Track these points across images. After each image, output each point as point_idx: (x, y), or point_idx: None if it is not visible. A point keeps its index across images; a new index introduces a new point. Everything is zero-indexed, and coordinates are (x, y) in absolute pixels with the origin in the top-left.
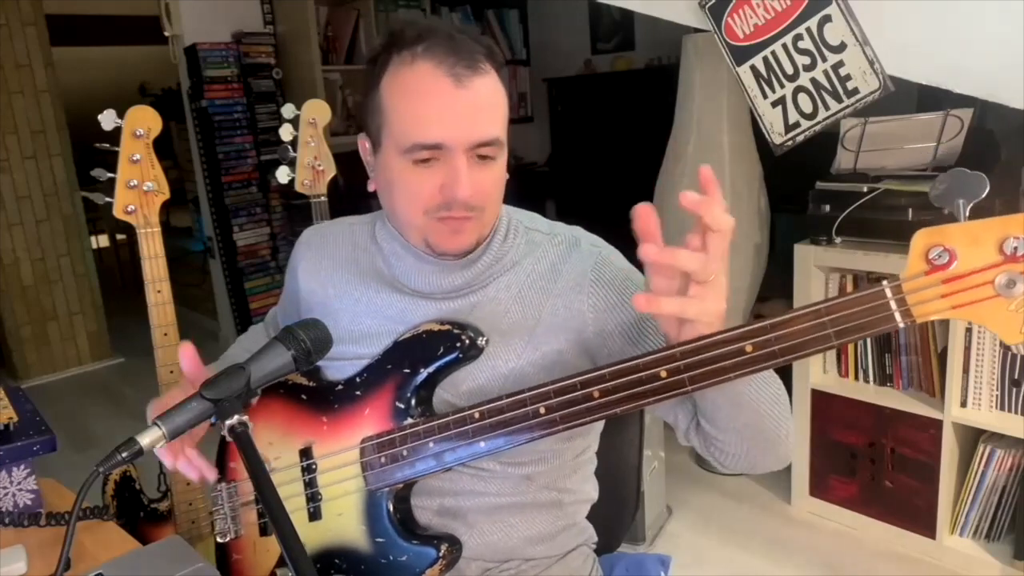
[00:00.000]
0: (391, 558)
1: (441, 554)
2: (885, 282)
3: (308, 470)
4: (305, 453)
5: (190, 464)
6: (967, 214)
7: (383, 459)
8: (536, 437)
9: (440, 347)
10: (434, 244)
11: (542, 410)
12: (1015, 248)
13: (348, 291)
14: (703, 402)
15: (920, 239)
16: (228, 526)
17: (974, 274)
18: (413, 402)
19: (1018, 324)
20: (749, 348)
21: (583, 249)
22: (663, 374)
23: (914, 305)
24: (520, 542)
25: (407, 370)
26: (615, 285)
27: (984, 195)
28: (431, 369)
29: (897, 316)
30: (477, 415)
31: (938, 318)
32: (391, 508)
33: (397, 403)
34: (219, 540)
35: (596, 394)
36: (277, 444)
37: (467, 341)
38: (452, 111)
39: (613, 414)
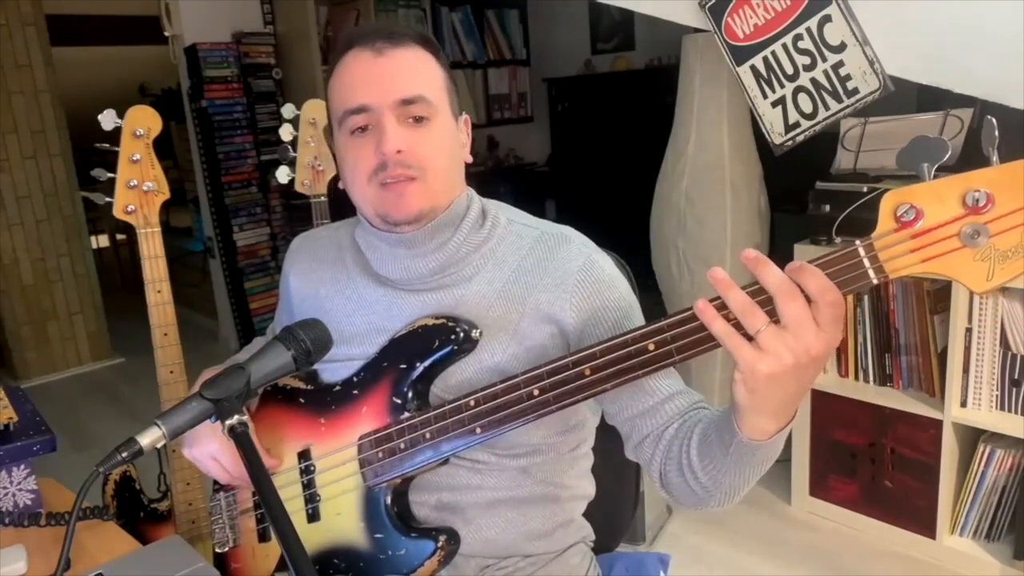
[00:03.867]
0: (390, 553)
1: (439, 545)
2: (858, 241)
3: (306, 472)
4: (303, 455)
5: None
6: (932, 176)
7: (380, 454)
8: (531, 419)
9: (436, 340)
10: (384, 213)
11: (536, 392)
12: (977, 200)
13: (339, 290)
14: (715, 446)
15: (888, 199)
16: (227, 535)
17: (940, 227)
18: (410, 395)
19: (984, 273)
20: (732, 315)
21: (572, 247)
22: (651, 347)
23: (886, 261)
24: (518, 538)
25: (403, 365)
26: (599, 290)
27: (946, 158)
28: (427, 363)
29: (871, 273)
30: (472, 403)
31: (909, 272)
32: (389, 503)
33: (394, 398)
34: (217, 550)
35: (587, 371)
36: (275, 449)
37: (462, 334)
38: (371, 75)
39: (604, 390)
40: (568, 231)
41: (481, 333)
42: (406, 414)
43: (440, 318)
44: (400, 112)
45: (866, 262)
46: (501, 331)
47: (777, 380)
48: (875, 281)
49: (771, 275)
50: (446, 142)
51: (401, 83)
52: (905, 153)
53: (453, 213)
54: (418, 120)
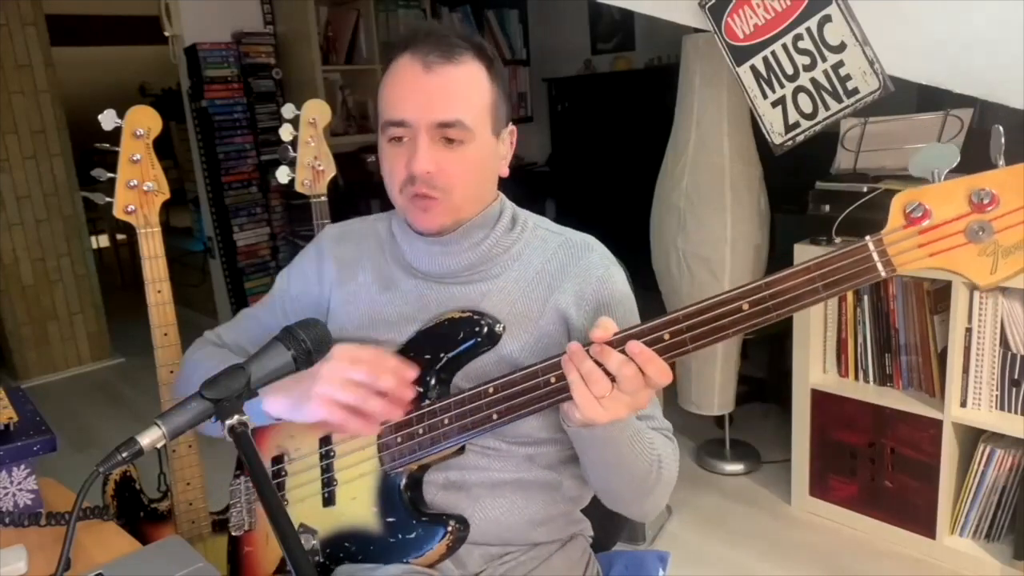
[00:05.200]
0: (400, 536)
1: (449, 530)
2: (868, 237)
3: (326, 456)
4: (324, 441)
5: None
6: (941, 180)
7: (400, 439)
8: (546, 405)
9: (461, 332)
10: (411, 222)
11: (553, 379)
12: (982, 198)
13: (376, 278)
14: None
15: (899, 199)
16: (243, 518)
17: (947, 224)
18: (432, 383)
19: (988, 267)
20: (746, 306)
21: (594, 258)
22: (666, 336)
23: (894, 256)
24: (521, 521)
25: (428, 356)
26: (610, 304)
27: (955, 164)
28: (452, 355)
29: (879, 267)
30: (492, 390)
31: (916, 267)
32: (404, 488)
33: (417, 388)
34: (233, 533)
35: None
36: (298, 436)
37: (486, 328)
38: (416, 92)
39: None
40: (590, 239)
41: (504, 328)
42: (426, 402)
43: (466, 312)
44: (435, 133)
45: (875, 256)
46: (521, 327)
47: (613, 423)
48: (883, 274)
49: (612, 361)
50: (477, 163)
51: (441, 105)
52: (917, 158)
53: (487, 216)
54: (451, 142)
